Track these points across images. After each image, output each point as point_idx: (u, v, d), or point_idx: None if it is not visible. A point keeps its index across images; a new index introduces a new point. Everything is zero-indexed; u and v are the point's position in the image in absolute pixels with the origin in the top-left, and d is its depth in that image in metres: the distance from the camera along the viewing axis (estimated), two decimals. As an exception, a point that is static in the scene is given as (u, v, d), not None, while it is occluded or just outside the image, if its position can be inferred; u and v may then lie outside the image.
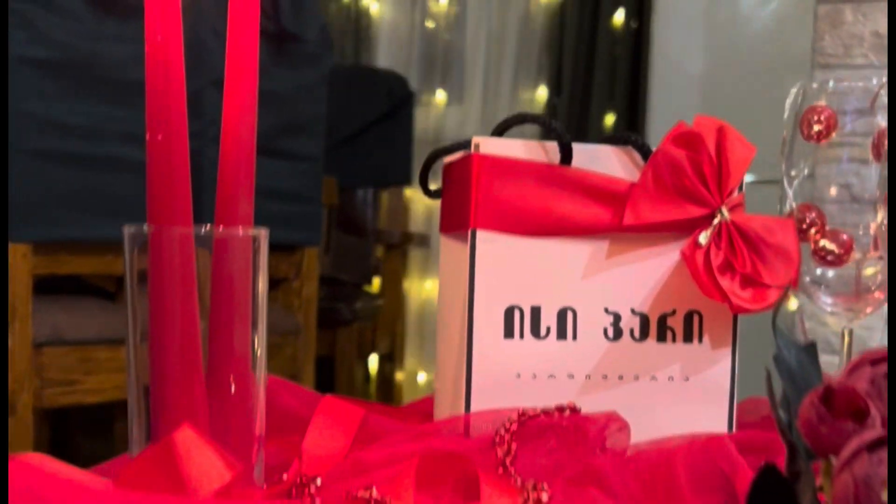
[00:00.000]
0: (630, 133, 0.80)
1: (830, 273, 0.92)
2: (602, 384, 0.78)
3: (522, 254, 0.77)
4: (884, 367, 0.47)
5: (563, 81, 3.68)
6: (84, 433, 2.30)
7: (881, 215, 0.82)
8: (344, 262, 3.01)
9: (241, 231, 0.62)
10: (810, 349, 0.54)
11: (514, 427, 0.71)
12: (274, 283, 2.33)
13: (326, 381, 2.84)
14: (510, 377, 0.77)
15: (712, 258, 0.77)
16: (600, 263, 0.79)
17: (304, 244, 2.31)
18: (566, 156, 0.78)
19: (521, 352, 0.77)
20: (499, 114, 3.65)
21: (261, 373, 0.63)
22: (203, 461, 0.52)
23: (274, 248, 2.19)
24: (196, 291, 0.59)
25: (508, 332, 0.77)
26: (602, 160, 0.79)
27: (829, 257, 0.91)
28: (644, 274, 0.79)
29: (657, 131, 2.89)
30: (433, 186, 0.86)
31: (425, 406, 0.86)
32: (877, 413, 0.45)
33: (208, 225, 0.62)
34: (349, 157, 3.00)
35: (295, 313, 2.33)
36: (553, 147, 0.78)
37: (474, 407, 0.76)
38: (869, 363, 0.48)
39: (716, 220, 0.78)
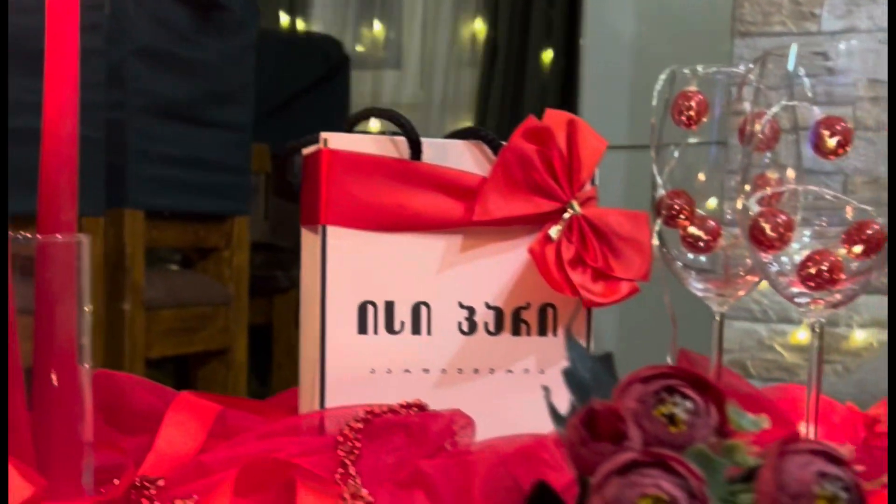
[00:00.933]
0: (480, 128, 0.80)
1: (702, 258, 0.94)
2: (458, 378, 0.79)
3: (375, 249, 0.78)
4: (655, 385, 0.48)
5: (499, 16, 3.66)
6: None
7: (741, 201, 0.83)
8: (282, 228, 3.01)
9: (61, 238, 0.62)
10: (606, 360, 0.54)
11: (359, 426, 0.71)
12: (204, 253, 2.33)
13: (263, 349, 2.84)
14: (365, 372, 0.77)
15: (563, 252, 0.78)
16: (454, 258, 0.79)
17: (234, 213, 2.30)
18: (416, 151, 0.78)
19: (376, 347, 0.78)
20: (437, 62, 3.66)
21: (86, 377, 0.63)
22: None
23: (204, 217, 2.20)
24: (11, 297, 0.59)
25: (362, 328, 0.78)
26: (453, 155, 0.79)
27: (698, 243, 0.92)
28: (498, 268, 0.80)
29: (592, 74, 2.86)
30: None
31: (292, 398, 0.86)
32: (636, 434, 0.46)
33: (28, 234, 0.61)
34: (284, 124, 2.98)
35: (226, 283, 2.32)
36: (404, 141, 0.78)
37: (329, 402, 0.77)
38: (640, 381, 0.48)
39: (567, 215, 0.79)
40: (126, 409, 0.79)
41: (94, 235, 1.81)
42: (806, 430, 0.82)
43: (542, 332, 0.80)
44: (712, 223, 0.92)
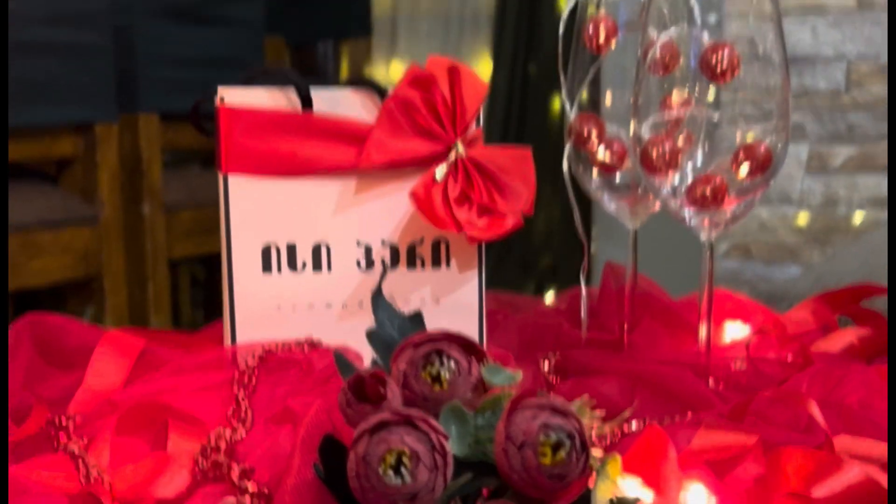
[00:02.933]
0: (368, 77, 0.85)
1: (616, 179, 0.99)
2: (358, 312, 0.86)
3: (274, 195, 0.84)
4: (424, 349, 0.54)
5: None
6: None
7: (633, 125, 0.88)
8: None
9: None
10: (416, 318, 0.61)
11: (255, 363, 0.79)
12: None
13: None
14: (271, 309, 0.85)
15: (449, 191, 0.84)
16: (349, 199, 0.85)
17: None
18: (306, 102, 0.83)
19: (280, 286, 0.85)
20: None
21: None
22: None
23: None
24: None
25: (266, 268, 0.85)
26: (343, 104, 0.84)
27: (605, 165, 0.96)
28: (392, 207, 0.86)
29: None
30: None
31: (219, 331, 0.94)
32: (394, 396, 0.53)
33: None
34: (299, 14, 2.97)
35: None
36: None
37: (240, 337, 0.85)
38: (412, 346, 0.55)
39: (451, 156, 0.84)
40: (60, 348, 0.87)
41: (109, 141, 1.90)
42: (702, 337, 0.87)
43: (436, 264, 0.87)
44: (619, 145, 0.97)
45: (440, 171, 0.84)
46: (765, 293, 2.09)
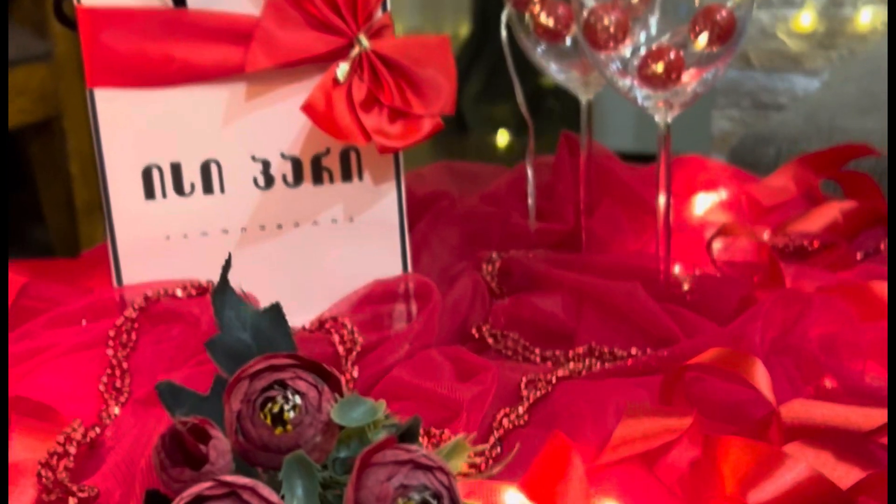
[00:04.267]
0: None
1: (566, 43, 0.86)
2: (260, 236, 0.75)
3: (151, 108, 0.72)
4: (263, 380, 0.44)
5: None
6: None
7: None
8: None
9: None
10: (273, 312, 0.50)
11: (134, 315, 0.69)
12: None
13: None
14: (159, 240, 0.74)
15: (354, 94, 0.71)
16: (239, 108, 0.73)
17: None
18: (177, -1, 0.70)
19: (166, 212, 0.74)
20: None
21: None
22: None
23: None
24: None
25: (149, 193, 0.73)
26: (222, -3, 0.71)
27: (549, 31, 0.83)
28: (290, 114, 0.73)
29: None
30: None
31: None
32: (219, 454, 0.42)
33: None
34: None
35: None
36: (164, -11, 0.70)
37: (125, 274, 0.74)
38: (248, 377, 0.44)
39: (354, 51, 0.71)
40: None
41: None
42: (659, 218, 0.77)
43: (347, 177, 0.75)
44: (561, 10, 0.83)
45: (342, 70, 0.71)
46: (765, 106, 1.96)
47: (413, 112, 0.72)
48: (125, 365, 0.67)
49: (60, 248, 2.02)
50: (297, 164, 0.74)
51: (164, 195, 0.73)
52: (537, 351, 0.73)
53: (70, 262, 0.82)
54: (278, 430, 0.43)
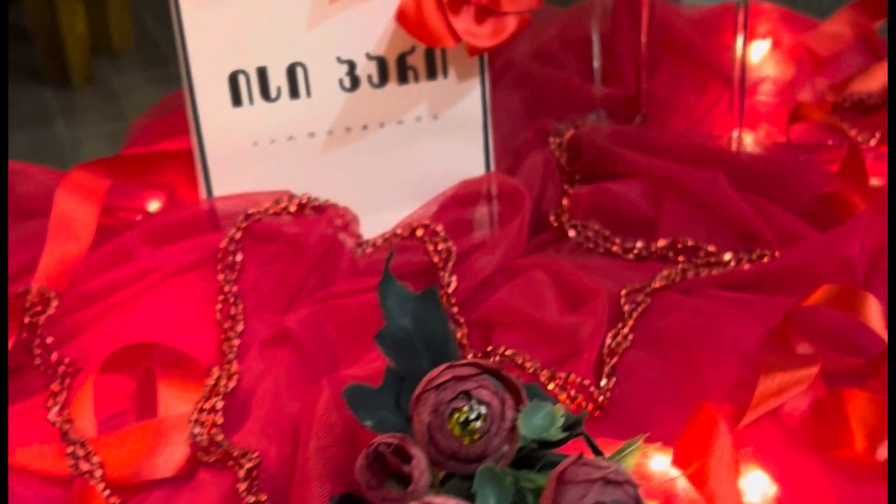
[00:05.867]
0: None
1: None
2: (346, 138, 0.75)
3: (236, 13, 0.70)
4: (449, 391, 0.46)
5: None
6: None
7: None
8: None
9: None
10: (428, 296, 0.51)
11: (238, 235, 0.70)
12: None
13: None
14: (247, 146, 0.74)
15: (442, -6, 0.69)
16: (324, 10, 0.71)
17: None
18: None
19: (254, 118, 0.73)
20: None
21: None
22: None
23: None
24: None
25: (236, 100, 0.73)
26: None
27: None
28: (375, 13, 0.72)
29: None
30: None
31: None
32: (420, 474, 0.45)
33: None
34: None
35: None
36: None
37: (215, 183, 0.74)
38: (434, 388, 0.46)
39: (443, -52, 0.69)
40: (16, 196, 0.77)
41: None
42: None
43: (432, 75, 0.74)
44: None
45: (431, -28, 0.69)
46: None
47: (500, 10, 0.70)
48: (235, 289, 0.68)
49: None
50: (382, 64, 0.73)
51: (251, 101, 0.72)
52: (618, 241, 0.75)
53: (148, 156, 0.81)
54: (466, 441, 0.46)
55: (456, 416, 0.46)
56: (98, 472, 0.57)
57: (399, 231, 0.73)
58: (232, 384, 0.60)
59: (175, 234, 0.73)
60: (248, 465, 0.55)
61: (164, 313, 0.68)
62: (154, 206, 0.81)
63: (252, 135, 0.73)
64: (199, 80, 0.71)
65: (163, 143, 0.82)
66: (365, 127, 0.74)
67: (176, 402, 0.59)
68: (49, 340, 0.68)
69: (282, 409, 0.59)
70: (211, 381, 0.60)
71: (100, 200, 0.75)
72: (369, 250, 0.73)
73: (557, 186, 0.80)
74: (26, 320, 0.68)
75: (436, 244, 0.72)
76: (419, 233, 0.72)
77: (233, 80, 0.72)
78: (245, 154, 0.73)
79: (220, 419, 0.58)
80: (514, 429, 0.46)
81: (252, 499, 0.54)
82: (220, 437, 0.57)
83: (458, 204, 0.75)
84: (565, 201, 0.79)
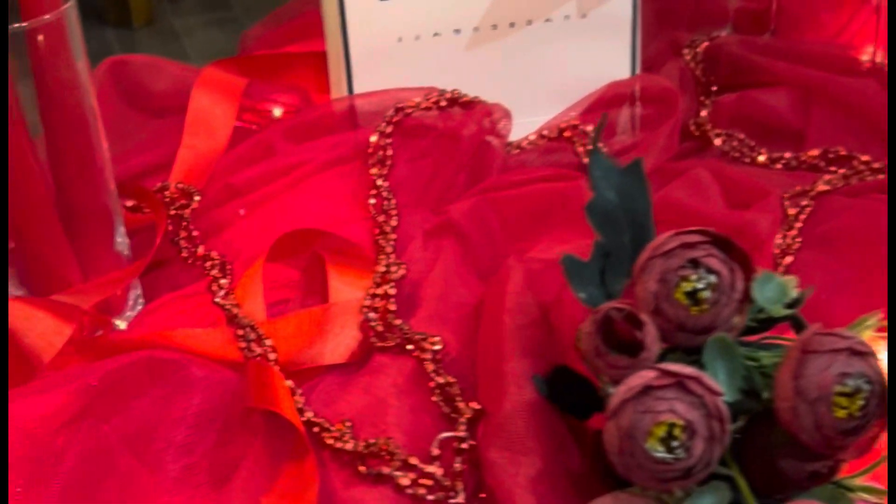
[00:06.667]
0: None
1: None
2: (492, 35, 0.72)
3: None
4: (677, 259, 0.44)
5: None
6: None
7: None
8: None
9: (49, 17, 0.55)
10: (634, 169, 0.49)
11: (389, 129, 0.68)
12: None
13: None
14: (391, 41, 0.72)
15: None
16: None
17: None
18: None
19: (401, 11, 0.71)
20: None
21: (99, 139, 0.60)
22: (38, 328, 0.53)
23: None
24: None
25: (384, -8, 0.71)
26: None
27: None
28: None
29: None
30: None
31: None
32: (652, 341, 0.43)
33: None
34: None
35: None
36: None
37: (357, 79, 0.72)
38: (661, 256, 0.45)
39: None
40: (149, 93, 0.76)
41: None
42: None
43: (584, -28, 0.72)
44: None
45: None
46: None
47: None
48: (386, 184, 0.66)
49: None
50: (534, -41, 0.71)
51: (400, -6, 0.70)
52: (764, 151, 0.73)
53: (282, 57, 0.79)
54: (694, 310, 0.44)
55: (683, 285, 0.44)
56: (272, 356, 0.55)
57: (545, 132, 0.71)
58: (401, 272, 0.58)
59: (317, 130, 0.71)
60: (435, 348, 0.53)
61: (312, 207, 0.66)
62: (278, 110, 0.80)
63: (397, 30, 0.71)
64: (347, -29, 0.69)
65: (286, 48, 0.81)
66: (512, 24, 0.72)
67: (346, 289, 0.58)
68: (195, 233, 0.66)
69: (452, 297, 0.57)
70: (381, 269, 0.58)
71: (236, 98, 0.74)
72: (515, 152, 0.71)
73: (694, 97, 0.78)
74: (171, 212, 0.67)
75: (585, 145, 0.70)
76: (567, 134, 0.70)
77: (381, -28, 0.70)
78: (388, 51, 0.71)
79: (392, 306, 0.56)
80: (743, 300, 0.44)
81: (441, 380, 0.52)
82: (397, 322, 0.55)
83: (605, 105, 0.73)
84: (703, 112, 0.77)
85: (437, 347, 0.53)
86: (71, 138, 0.59)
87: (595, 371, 0.44)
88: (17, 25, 0.54)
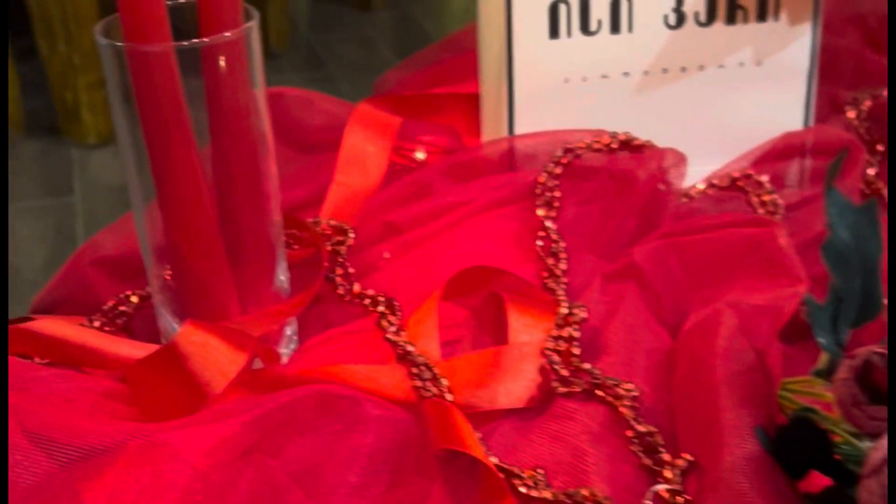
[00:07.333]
0: None
1: None
2: (662, 80, 0.70)
3: (565, -61, 0.66)
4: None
5: None
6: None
7: None
8: None
9: (230, 34, 0.53)
10: (868, 210, 0.46)
11: (558, 171, 0.65)
12: None
13: None
14: (557, 82, 0.69)
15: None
16: (657, -61, 0.66)
17: None
18: None
19: (570, 52, 0.68)
20: None
21: (271, 165, 0.57)
22: (211, 355, 0.50)
23: None
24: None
25: (554, 31, 0.68)
26: None
27: None
28: (712, -54, 0.67)
29: None
30: None
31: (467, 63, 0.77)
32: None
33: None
34: None
35: None
36: None
37: (519, 120, 0.69)
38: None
39: None
40: (303, 127, 0.73)
41: None
42: None
43: (762, 16, 0.69)
44: None
45: None
46: None
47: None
48: (555, 226, 0.63)
49: None
50: (711, 1, 0.68)
51: (569, 34, 0.68)
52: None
53: (436, 98, 0.76)
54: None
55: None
56: (448, 396, 0.51)
57: (716, 182, 0.68)
58: (584, 315, 0.54)
59: (476, 170, 0.68)
60: (632, 394, 0.49)
61: (474, 247, 0.63)
62: (421, 153, 0.77)
63: (565, 71, 0.69)
64: (518, 6, 0.67)
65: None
66: (683, 69, 0.69)
67: (526, 330, 0.54)
68: (351, 270, 0.63)
69: (639, 343, 0.54)
70: (563, 311, 0.55)
71: (391, 136, 0.71)
72: (684, 200, 0.67)
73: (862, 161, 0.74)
74: (328, 248, 0.64)
75: (759, 196, 0.66)
76: (740, 184, 0.67)
77: (553, 9, 0.67)
78: (553, 91, 0.69)
79: (576, 349, 0.53)
80: None
81: (642, 429, 0.48)
82: (586, 366, 0.51)
83: (777, 157, 0.69)
84: (872, 170, 0.73)
85: (635, 394, 0.49)
86: (242, 165, 0.56)
87: (851, 421, 0.40)
88: (195, 41, 0.52)
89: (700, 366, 0.48)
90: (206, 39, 0.52)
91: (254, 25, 0.54)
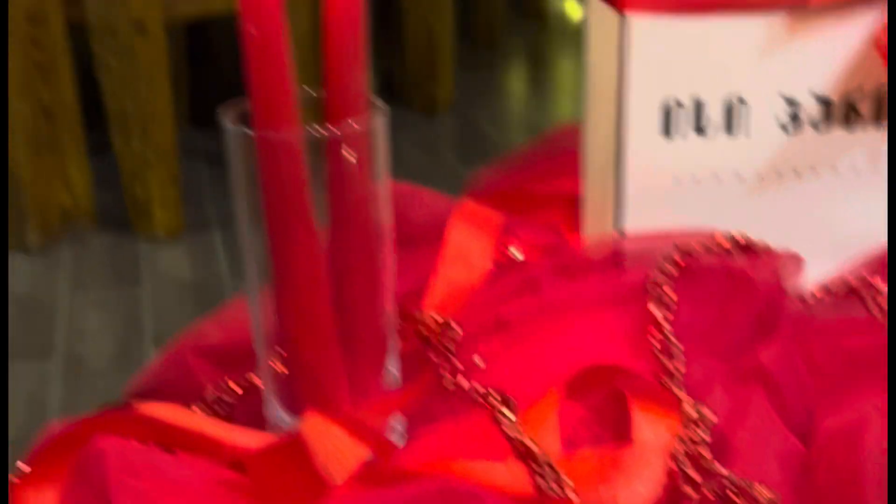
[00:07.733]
0: None
1: None
2: (774, 182, 0.69)
3: (682, 37, 0.65)
4: None
5: None
6: (223, 46, 2.24)
7: None
8: None
9: (356, 125, 0.53)
10: None
11: (673, 272, 0.63)
12: None
13: None
14: (667, 182, 0.68)
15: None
16: (775, 42, 0.66)
17: None
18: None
19: (682, 152, 0.68)
20: None
21: (389, 260, 0.57)
22: (334, 446, 0.49)
23: None
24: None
25: (666, 131, 0.67)
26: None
27: None
28: (828, 50, 0.66)
29: None
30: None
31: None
32: None
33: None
34: None
35: None
36: None
37: (629, 220, 0.69)
38: None
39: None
40: (405, 220, 0.73)
41: None
42: None
43: (878, 119, 0.68)
44: None
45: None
46: None
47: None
48: (670, 327, 0.61)
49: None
50: (827, 105, 0.67)
51: (683, 134, 0.67)
52: None
53: (534, 196, 0.76)
54: None
55: None
56: (573, 497, 0.49)
57: (830, 287, 0.66)
58: (713, 417, 0.53)
59: (584, 268, 0.67)
60: (768, 498, 0.47)
61: (585, 344, 0.61)
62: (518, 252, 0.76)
63: (676, 170, 0.68)
64: (633, 106, 0.66)
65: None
66: (797, 172, 0.68)
67: (651, 429, 0.52)
68: (459, 365, 0.62)
69: (770, 448, 0.52)
70: (691, 413, 0.53)
71: (495, 233, 0.71)
72: (800, 305, 0.66)
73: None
74: (433, 341, 0.63)
75: (878, 302, 0.64)
76: (854, 287, 0.65)
77: (666, 108, 0.67)
78: (663, 191, 0.68)
79: (706, 452, 0.51)
80: None
81: (785, 536, 0.46)
82: (723, 471, 0.49)
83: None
84: None
85: (772, 498, 0.47)
86: (360, 255, 0.56)
87: None
88: (325, 131, 0.52)
89: (846, 472, 0.46)
90: (335, 129, 0.52)
91: (381, 118, 0.54)
